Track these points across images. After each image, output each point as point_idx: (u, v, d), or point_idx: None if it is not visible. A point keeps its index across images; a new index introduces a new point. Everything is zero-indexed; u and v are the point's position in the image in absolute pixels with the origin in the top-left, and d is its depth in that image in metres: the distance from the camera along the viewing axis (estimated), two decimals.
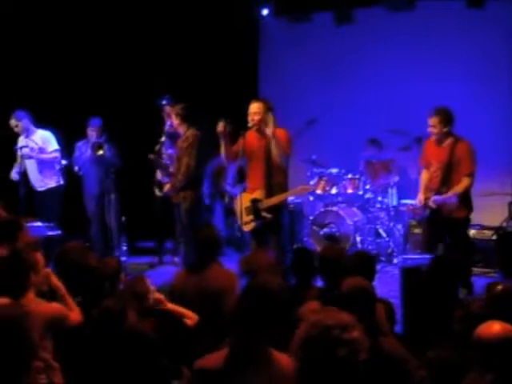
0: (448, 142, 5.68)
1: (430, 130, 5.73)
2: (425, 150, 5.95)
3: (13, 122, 7.01)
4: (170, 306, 3.78)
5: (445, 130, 5.65)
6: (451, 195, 5.57)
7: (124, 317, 2.98)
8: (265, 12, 8.72)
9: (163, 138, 6.95)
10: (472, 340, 2.61)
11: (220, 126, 5.45)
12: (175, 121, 6.65)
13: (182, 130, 6.65)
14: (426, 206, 5.73)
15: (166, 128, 7.13)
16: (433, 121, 5.67)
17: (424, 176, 5.92)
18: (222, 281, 4.06)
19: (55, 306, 3.36)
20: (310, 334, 2.15)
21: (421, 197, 5.82)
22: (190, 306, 3.88)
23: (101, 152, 6.99)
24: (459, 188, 5.59)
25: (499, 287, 3.27)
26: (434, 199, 5.62)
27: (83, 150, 7.26)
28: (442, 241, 5.78)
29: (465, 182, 5.60)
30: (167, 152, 6.93)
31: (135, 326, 3.03)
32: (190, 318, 3.76)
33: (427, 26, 8.11)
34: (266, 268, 3.71)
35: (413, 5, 7.84)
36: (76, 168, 7.30)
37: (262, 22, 9.15)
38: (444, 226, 5.72)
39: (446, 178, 5.62)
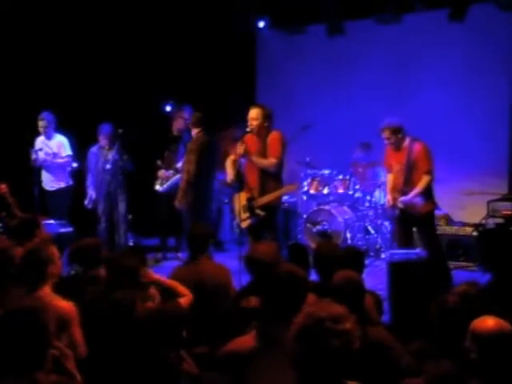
0: (405, 144, 5.73)
1: (386, 142, 5.80)
2: (386, 155, 6.02)
3: (43, 122, 6.97)
4: (159, 277, 3.74)
5: (399, 136, 5.70)
6: (415, 195, 5.61)
7: (134, 308, 2.95)
8: (261, 24, 8.74)
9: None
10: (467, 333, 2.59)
11: (241, 149, 5.51)
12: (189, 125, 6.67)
13: (193, 133, 6.66)
14: (394, 206, 5.77)
15: (175, 132, 7.19)
16: (385, 134, 5.73)
17: (389, 178, 6.00)
18: (214, 273, 4.13)
19: (67, 306, 3.20)
20: (304, 326, 2.14)
21: (389, 197, 5.89)
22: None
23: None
24: (420, 186, 5.62)
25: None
26: (401, 200, 5.67)
27: (97, 155, 7.16)
28: (411, 236, 5.85)
29: (424, 180, 5.63)
30: (177, 165, 6.99)
31: (144, 317, 3.00)
32: (185, 294, 3.68)
33: (413, 37, 8.16)
34: (269, 260, 3.72)
35: (399, 18, 7.89)
36: (89, 176, 7.18)
37: (259, 34, 9.18)
38: (412, 223, 5.79)
39: (408, 178, 5.67)
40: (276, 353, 2.59)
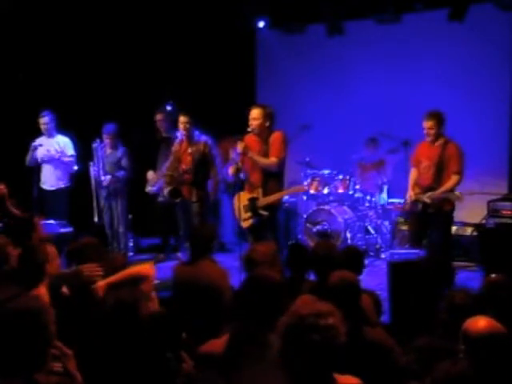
0: (439, 142, 5.84)
1: (426, 132, 5.86)
2: (416, 150, 6.11)
3: (46, 119, 6.97)
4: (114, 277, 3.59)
5: (440, 131, 5.81)
6: (444, 192, 5.73)
7: (138, 308, 2.94)
8: (261, 24, 8.75)
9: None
10: (459, 332, 2.59)
11: (241, 147, 5.52)
12: (188, 126, 6.62)
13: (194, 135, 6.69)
14: (417, 200, 5.85)
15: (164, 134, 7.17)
16: (429, 124, 5.80)
17: (413, 174, 6.08)
18: (211, 275, 4.12)
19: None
20: (287, 323, 2.18)
21: (411, 192, 5.96)
22: (183, 297, 3.90)
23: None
24: (449, 184, 5.76)
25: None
26: (429, 195, 5.75)
27: (100, 154, 7.07)
28: (426, 235, 5.89)
29: (454, 179, 5.78)
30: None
31: (148, 316, 2.99)
32: (146, 273, 3.54)
33: (412, 37, 8.17)
34: (268, 260, 3.73)
35: (398, 18, 7.91)
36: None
37: (258, 34, 9.19)
38: (432, 220, 5.84)
39: (438, 176, 5.79)
40: (249, 358, 2.59)
